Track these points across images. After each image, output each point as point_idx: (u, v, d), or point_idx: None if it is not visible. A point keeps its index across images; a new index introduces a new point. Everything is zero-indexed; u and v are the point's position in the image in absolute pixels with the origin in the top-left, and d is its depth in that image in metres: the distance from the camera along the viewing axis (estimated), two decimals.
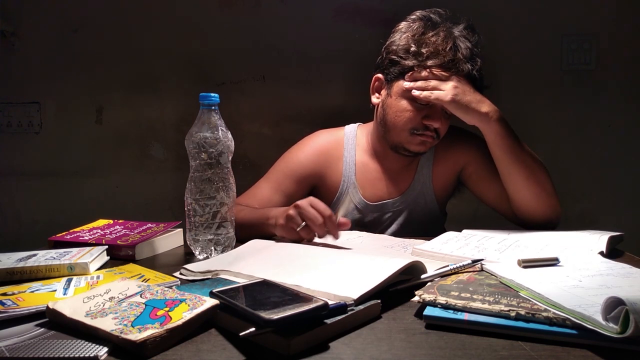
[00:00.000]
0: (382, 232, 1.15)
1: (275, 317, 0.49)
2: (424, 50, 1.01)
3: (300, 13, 1.52)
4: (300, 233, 0.90)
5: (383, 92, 1.10)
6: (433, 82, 0.99)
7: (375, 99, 1.12)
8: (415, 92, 1.00)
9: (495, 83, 1.54)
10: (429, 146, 1.08)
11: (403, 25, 1.07)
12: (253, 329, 0.48)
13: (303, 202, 0.90)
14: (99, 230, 1.01)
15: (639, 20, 1.52)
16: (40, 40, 1.57)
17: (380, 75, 1.10)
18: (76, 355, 0.48)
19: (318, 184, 1.17)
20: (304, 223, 0.89)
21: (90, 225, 1.07)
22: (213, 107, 0.89)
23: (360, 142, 1.19)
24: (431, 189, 1.16)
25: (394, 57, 1.05)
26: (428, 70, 1.01)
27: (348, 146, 1.18)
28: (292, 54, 1.54)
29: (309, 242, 0.92)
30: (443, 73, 1.00)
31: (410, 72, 1.02)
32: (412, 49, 1.02)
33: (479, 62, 1.04)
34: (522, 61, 1.53)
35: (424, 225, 1.16)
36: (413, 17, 1.07)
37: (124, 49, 1.56)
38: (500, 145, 1.01)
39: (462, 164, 1.15)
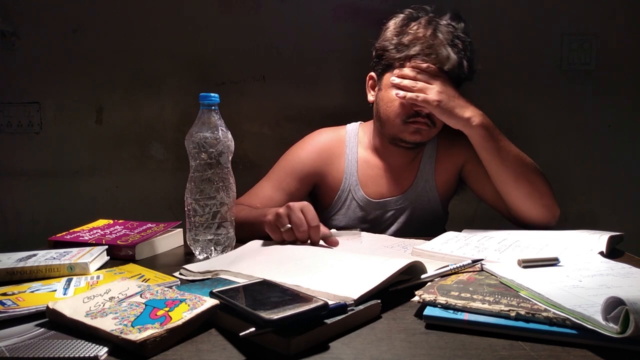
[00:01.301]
0: (384, 230, 1.16)
1: (275, 317, 0.49)
2: (405, 40, 1.04)
3: (300, 13, 1.52)
4: (284, 234, 0.88)
5: (376, 88, 1.12)
6: (420, 84, 1.01)
7: (371, 96, 1.14)
8: (401, 94, 1.02)
9: (496, 83, 1.54)
10: (426, 135, 1.08)
11: (390, 22, 1.10)
12: (253, 329, 0.48)
13: (295, 205, 0.89)
14: (99, 230, 1.01)
15: (639, 20, 1.52)
16: (40, 40, 1.57)
17: (372, 73, 1.13)
18: (76, 355, 0.48)
19: (319, 182, 1.17)
20: (289, 225, 0.87)
21: (90, 225, 1.07)
22: (213, 107, 0.89)
23: (362, 140, 1.19)
24: (434, 187, 1.16)
25: (380, 52, 1.09)
26: (413, 68, 1.03)
27: (350, 144, 1.18)
28: (292, 54, 1.54)
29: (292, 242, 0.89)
30: (428, 65, 1.02)
31: (398, 69, 1.05)
32: (394, 40, 1.06)
33: (461, 45, 1.04)
34: (522, 61, 1.53)
35: (427, 224, 1.16)
36: (400, 14, 1.10)
37: (124, 49, 1.56)
38: (485, 147, 1.03)
39: (463, 161, 1.16)
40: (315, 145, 1.17)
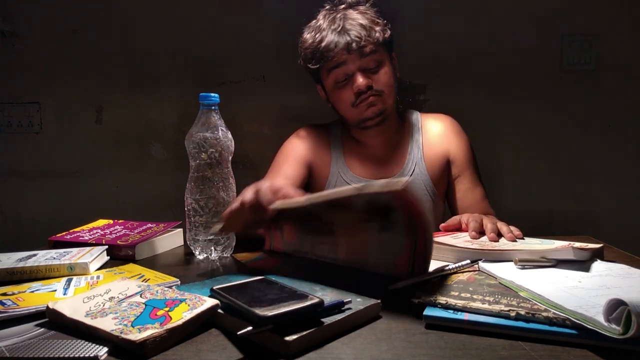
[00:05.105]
0: None
1: (270, 314, 0.49)
2: (307, 52, 1.13)
3: (300, 13, 1.52)
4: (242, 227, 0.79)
5: (325, 94, 1.20)
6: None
7: (328, 103, 1.22)
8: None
9: (496, 83, 1.54)
10: (381, 103, 1.12)
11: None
12: (250, 327, 0.49)
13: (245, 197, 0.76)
14: (99, 230, 1.01)
15: (639, 20, 1.51)
16: (40, 40, 1.57)
17: (317, 85, 1.22)
18: (76, 355, 0.48)
19: (312, 168, 1.21)
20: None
21: (90, 225, 1.07)
22: (213, 107, 0.89)
23: (344, 129, 1.25)
24: (424, 170, 1.18)
25: (304, 66, 1.18)
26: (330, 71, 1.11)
27: (333, 133, 1.25)
28: (292, 54, 1.54)
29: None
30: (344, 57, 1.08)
31: (325, 76, 1.14)
32: (302, 54, 1.16)
33: (353, 22, 1.09)
34: (522, 61, 1.53)
35: None
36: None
37: (124, 49, 1.56)
38: None
39: (449, 155, 1.20)
40: (304, 133, 1.25)
